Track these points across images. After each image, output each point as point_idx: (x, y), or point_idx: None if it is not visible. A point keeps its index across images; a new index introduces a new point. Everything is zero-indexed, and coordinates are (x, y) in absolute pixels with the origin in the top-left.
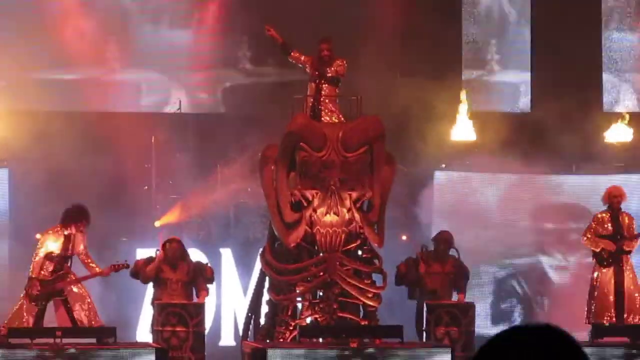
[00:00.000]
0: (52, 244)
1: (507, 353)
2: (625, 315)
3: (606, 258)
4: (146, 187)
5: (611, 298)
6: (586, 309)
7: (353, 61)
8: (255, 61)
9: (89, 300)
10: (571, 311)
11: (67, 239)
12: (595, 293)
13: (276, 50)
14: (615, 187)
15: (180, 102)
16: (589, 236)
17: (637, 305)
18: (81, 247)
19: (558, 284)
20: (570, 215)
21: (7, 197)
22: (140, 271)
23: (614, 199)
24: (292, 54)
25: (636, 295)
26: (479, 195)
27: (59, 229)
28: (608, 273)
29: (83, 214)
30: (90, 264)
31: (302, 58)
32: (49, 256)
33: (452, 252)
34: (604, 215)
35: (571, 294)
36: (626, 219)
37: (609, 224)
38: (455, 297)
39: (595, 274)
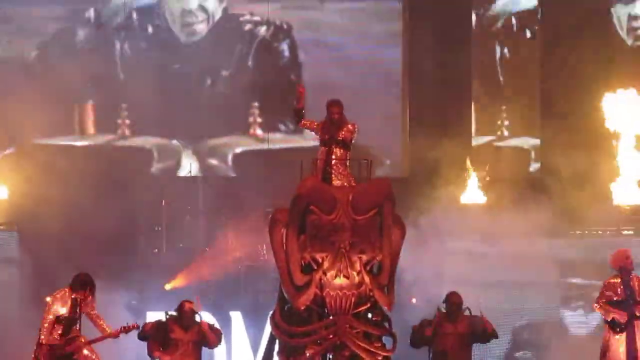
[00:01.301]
0: (60, 308)
1: None
2: None
3: (619, 325)
4: (156, 250)
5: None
6: None
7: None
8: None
9: None
10: None
11: (75, 301)
12: (608, 354)
13: (289, 112)
14: (624, 250)
15: (190, 165)
16: (601, 304)
17: None
18: (91, 306)
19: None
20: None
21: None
22: (148, 330)
23: (626, 260)
24: (302, 121)
25: None
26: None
27: (66, 291)
28: (620, 339)
29: (91, 282)
30: (101, 324)
31: (314, 124)
32: (57, 319)
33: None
34: (614, 280)
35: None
36: (637, 282)
37: (620, 289)
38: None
39: (607, 336)
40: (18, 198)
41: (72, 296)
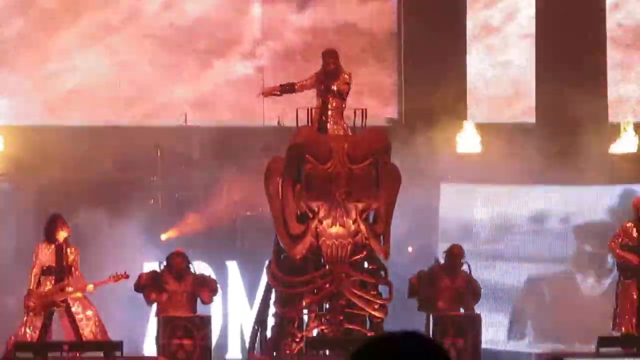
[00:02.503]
0: (44, 258)
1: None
2: None
3: (630, 269)
4: (152, 201)
5: (634, 308)
6: (613, 316)
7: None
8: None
9: (96, 319)
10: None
11: (59, 249)
12: (618, 302)
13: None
14: (637, 197)
15: (185, 115)
16: (614, 246)
17: None
18: (74, 259)
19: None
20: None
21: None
22: (143, 280)
23: (637, 210)
24: (296, 88)
25: None
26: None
27: (45, 243)
28: (632, 285)
29: (53, 221)
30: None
31: (308, 82)
32: (46, 270)
33: (465, 267)
34: (629, 225)
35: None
36: None
37: (636, 234)
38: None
39: (619, 285)
40: (14, 149)
41: (54, 245)
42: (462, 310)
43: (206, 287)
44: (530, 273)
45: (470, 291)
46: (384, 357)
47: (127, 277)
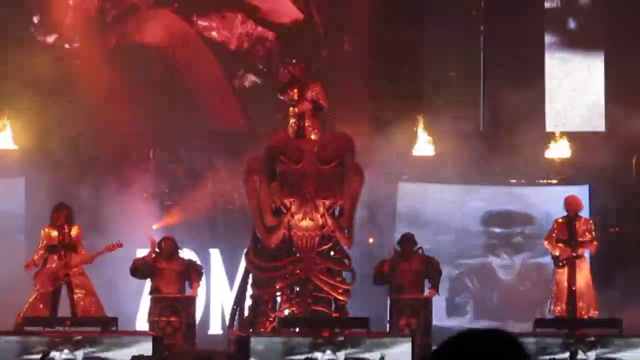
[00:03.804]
0: (49, 239)
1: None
2: (581, 310)
3: (561, 261)
4: (145, 195)
5: (564, 295)
6: (549, 301)
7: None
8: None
9: (93, 297)
10: (517, 304)
11: (61, 229)
12: (554, 289)
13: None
14: (571, 196)
15: None
16: (549, 241)
17: (593, 301)
18: (77, 238)
19: (505, 281)
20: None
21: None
22: (137, 264)
23: (568, 206)
24: (282, 97)
25: (589, 292)
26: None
27: (49, 227)
28: (564, 273)
29: (55, 207)
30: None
31: (289, 93)
32: (51, 249)
33: (419, 251)
34: (561, 220)
35: (516, 288)
36: (582, 225)
37: (566, 229)
38: (426, 291)
39: (554, 273)
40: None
41: (57, 225)
42: (427, 289)
43: (195, 272)
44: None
45: (432, 271)
46: (465, 355)
47: (121, 245)
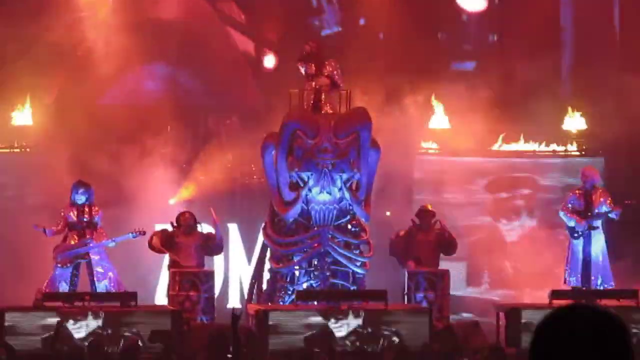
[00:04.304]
0: (69, 216)
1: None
2: (596, 281)
3: (577, 232)
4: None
5: (579, 266)
6: (564, 272)
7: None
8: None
9: (111, 274)
10: (531, 272)
11: (81, 208)
12: (569, 259)
13: None
14: (587, 167)
15: None
16: (565, 210)
17: (609, 272)
18: (96, 219)
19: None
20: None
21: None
22: (152, 242)
23: (585, 178)
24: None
25: (605, 263)
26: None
27: (69, 205)
28: (579, 244)
29: (73, 186)
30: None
31: (304, 65)
32: (71, 226)
33: (437, 224)
34: (578, 191)
35: (524, 252)
36: (599, 196)
37: (582, 200)
38: (442, 264)
39: (568, 244)
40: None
41: (76, 204)
42: (441, 259)
43: (212, 242)
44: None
45: (444, 243)
46: (568, 329)
47: (144, 233)
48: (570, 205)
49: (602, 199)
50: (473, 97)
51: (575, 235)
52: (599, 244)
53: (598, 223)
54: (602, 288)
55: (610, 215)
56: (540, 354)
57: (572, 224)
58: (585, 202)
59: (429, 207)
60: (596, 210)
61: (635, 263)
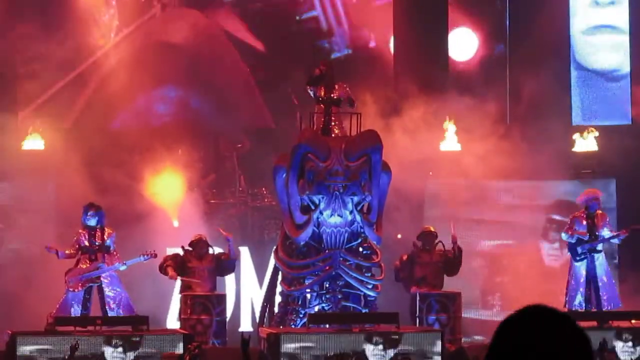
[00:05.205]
0: (82, 240)
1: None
2: (602, 300)
3: (579, 254)
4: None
5: (582, 287)
6: (565, 294)
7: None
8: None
9: (122, 297)
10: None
11: (92, 231)
12: (572, 282)
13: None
14: (589, 190)
15: None
16: (569, 233)
17: (616, 293)
18: (108, 242)
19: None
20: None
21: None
22: (165, 266)
23: (587, 202)
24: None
25: (611, 284)
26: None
27: (81, 228)
28: (582, 266)
29: (84, 210)
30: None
31: (317, 88)
32: (83, 250)
33: (439, 245)
34: (580, 214)
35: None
36: (600, 219)
37: (585, 223)
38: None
39: (569, 267)
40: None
41: (88, 227)
42: (444, 280)
43: (223, 254)
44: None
45: (448, 264)
46: (530, 327)
47: (155, 256)
48: (575, 229)
49: (602, 222)
50: (483, 117)
51: (578, 258)
52: (602, 265)
53: (601, 246)
54: (610, 307)
55: (613, 240)
56: (500, 355)
57: (574, 241)
58: (588, 225)
59: (432, 229)
60: (599, 234)
61: (636, 287)
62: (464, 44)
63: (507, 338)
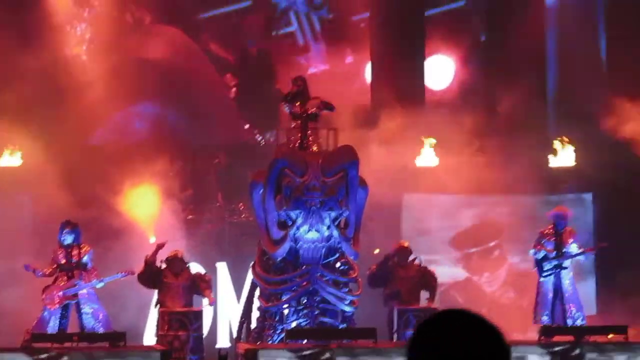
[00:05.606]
0: (59, 258)
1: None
2: (569, 310)
3: (546, 270)
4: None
5: (550, 303)
6: (533, 310)
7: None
8: None
9: (99, 314)
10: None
11: (68, 249)
12: (538, 299)
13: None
14: (559, 207)
15: None
16: (536, 248)
17: (581, 306)
18: (85, 259)
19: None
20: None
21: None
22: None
23: (555, 219)
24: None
25: (577, 298)
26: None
27: (58, 246)
28: (548, 282)
29: (60, 227)
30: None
31: (293, 104)
32: (61, 267)
33: (415, 260)
34: (548, 230)
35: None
36: (568, 236)
37: (552, 238)
38: (423, 300)
39: (538, 283)
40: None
41: (63, 247)
42: (423, 297)
43: (203, 282)
44: None
45: (427, 283)
46: (446, 329)
47: (132, 273)
48: (542, 243)
49: (571, 239)
50: (459, 130)
51: (544, 274)
52: (568, 279)
53: (567, 263)
54: (577, 317)
55: (579, 257)
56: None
57: (541, 257)
58: (555, 242)
59: (406, 244)
60: (565, 250)
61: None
62: (440, 72)
63: (422, 341)
